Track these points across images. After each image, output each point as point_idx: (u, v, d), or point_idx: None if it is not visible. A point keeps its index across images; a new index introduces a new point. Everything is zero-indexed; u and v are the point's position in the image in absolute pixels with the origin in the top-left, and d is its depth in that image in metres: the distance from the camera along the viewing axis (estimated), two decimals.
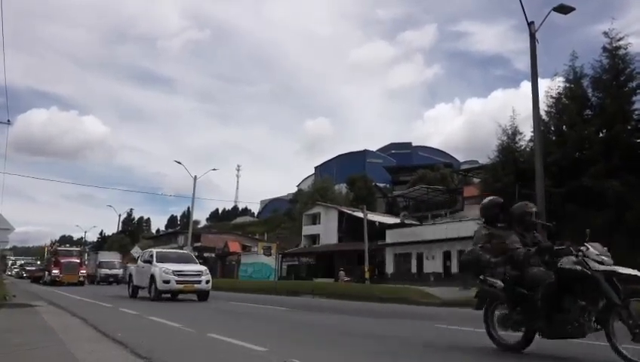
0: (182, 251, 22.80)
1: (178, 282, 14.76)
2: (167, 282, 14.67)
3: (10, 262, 67.76)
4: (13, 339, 6.18)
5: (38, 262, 60.25)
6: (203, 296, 15.41)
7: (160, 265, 15.18)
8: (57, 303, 13.44)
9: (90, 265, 39.07)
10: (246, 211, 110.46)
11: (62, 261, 31.98)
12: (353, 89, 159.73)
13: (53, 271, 31.47)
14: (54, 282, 30.51)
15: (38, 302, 13.32)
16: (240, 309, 13.12)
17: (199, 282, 15.12)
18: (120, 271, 36.11)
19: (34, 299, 14.82)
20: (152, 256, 16.22)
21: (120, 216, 63.75)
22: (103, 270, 36.92)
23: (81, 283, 31.25)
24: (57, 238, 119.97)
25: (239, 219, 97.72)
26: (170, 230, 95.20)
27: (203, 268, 16.13)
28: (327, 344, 6.51)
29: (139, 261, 17.67)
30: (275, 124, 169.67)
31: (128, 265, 21.71)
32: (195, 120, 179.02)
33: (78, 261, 33.19)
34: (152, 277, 15.00)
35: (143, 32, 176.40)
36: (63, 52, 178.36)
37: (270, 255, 28.58)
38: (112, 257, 42.59)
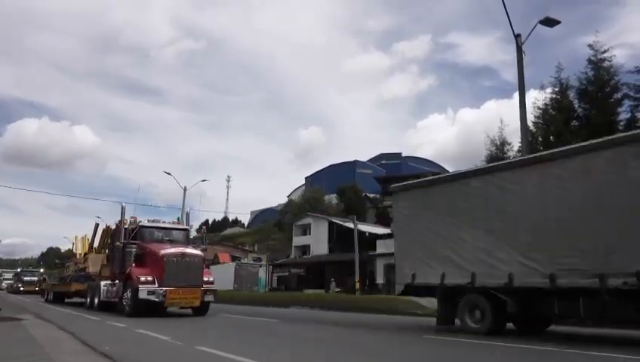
0: None
1: None
2: None
3: None
4: None
5: (42, 270, 46.25)
6: None
7: None
8: (44, 316, 13.24)
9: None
10: (236, 222, 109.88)
11: (161, 253, 13.86)
12: (346, 99, 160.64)
13: (142, 279, 13.29)
14: (140, 307, 13.12)
15: (24, 316, 13.11)
16: (230, 321, 13.01)
17: None
18: None
19: (20, 312, 14.58)
20: None
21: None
22: None
23: (204, 309, 14.27)
24: (45, 250, 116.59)
25: (229, 230, 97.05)
26: None
27: None
28: (318, 357, 6.47)
29: None
30: (266, 134, 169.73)
31: None
32: (185, 130, 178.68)
33: (199, 254, 14.66)
34: None
35: (133, 42, 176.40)
36: (52, 62, 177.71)
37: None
38: None
